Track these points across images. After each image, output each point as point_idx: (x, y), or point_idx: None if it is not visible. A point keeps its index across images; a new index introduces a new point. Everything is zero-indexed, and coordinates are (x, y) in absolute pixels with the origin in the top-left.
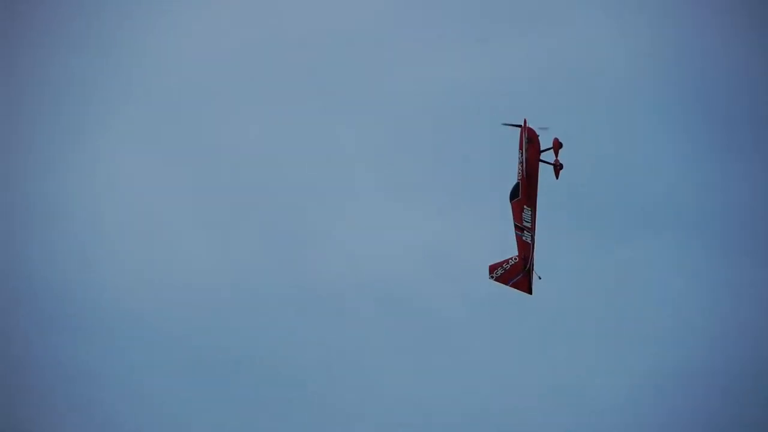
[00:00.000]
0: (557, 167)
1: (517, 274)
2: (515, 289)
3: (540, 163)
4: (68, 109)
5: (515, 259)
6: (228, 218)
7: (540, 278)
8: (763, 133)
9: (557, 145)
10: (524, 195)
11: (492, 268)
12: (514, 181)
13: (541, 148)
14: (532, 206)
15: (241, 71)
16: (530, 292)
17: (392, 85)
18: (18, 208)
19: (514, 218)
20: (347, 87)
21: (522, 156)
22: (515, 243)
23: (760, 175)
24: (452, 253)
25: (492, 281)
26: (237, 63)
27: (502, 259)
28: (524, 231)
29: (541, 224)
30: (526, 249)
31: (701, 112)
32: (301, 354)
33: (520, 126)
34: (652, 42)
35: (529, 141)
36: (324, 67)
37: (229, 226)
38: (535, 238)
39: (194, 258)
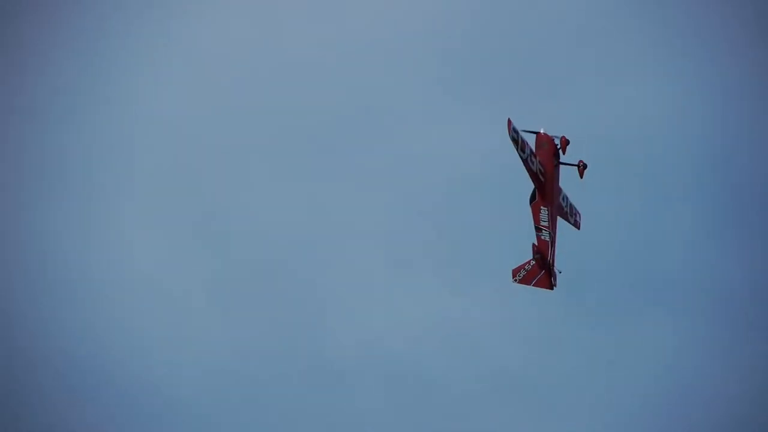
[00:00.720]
0: (581, 167)
1: (537, 273)
2: (539, 288)
3: (561, 166)
4: (80, 184)
5: (534, 260)
6: (240, 293)
7: (560, 272)
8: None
9: (564, 143)
10: (540, 196)
11: (515, 272)
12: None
13: (561, 159)
14: (549, 206)
15: (251, 140)
16: (551, 288)
17: (410, 156)
18: (28, 281)
19: (533, 221)
20: (363, 159)
21: (525, 155)
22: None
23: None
24: (464, 328)
25: (516, 284)
26: (246, 132)
27: (522, 262)
28: (542, 230)
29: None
30: (545, 247)
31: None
32: (312, 428)
33: (536, 132)
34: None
35: (541, 146)
36: (340, 137)
37: (241, 301)
38: (555, 236)
39: (206, 330)
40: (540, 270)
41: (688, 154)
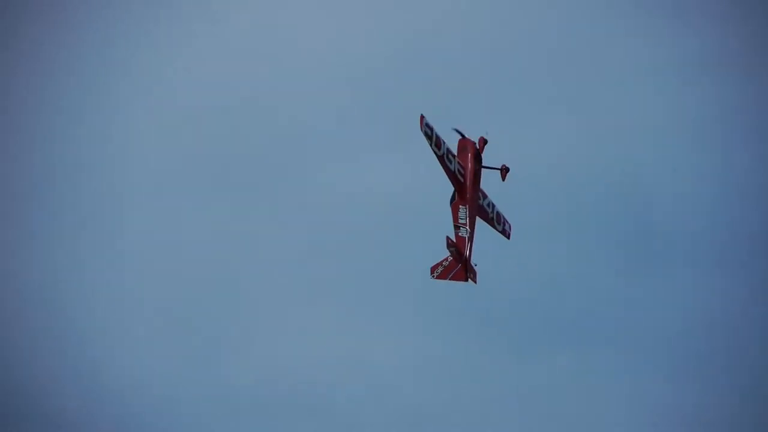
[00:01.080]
0: (503, 171)
1: (454, 267)
2: (456, 281)
3: (483, 169)
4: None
5: (450, 254)
6: (146, 322)
7: (476, 265)
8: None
9: (482, 143)
10: (459, 196)
11: (432, 269)
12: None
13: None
14: (467, 205)
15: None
16: (467, 280)
17: (322, 188)
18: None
19: (453, 220)
20: (274, 190)
21: (441, 152)
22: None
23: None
24: (371, 360)
25: (434, 280)
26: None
27: (440, 260)
28: (460, 228)
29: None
30: (461, 242)
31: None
32: None
33: (461, 135)
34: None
35: (463, 149)
36: (253, 168)
37: (150, 329)
38: (473, 232)
39: (117, 361)
40: (456, 265)
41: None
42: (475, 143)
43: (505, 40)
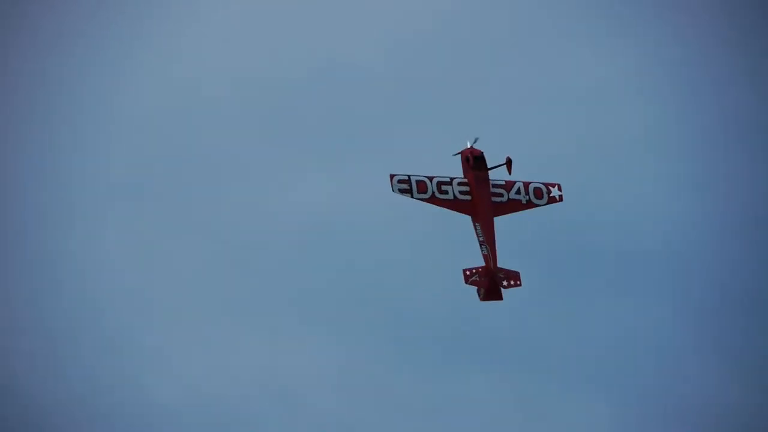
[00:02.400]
0: (508, 163)
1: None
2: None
3: (491, 170)
4: None
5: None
6: (60, 334)
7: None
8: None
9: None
10: (473, 213)
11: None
12: None
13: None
14: (481, 221)
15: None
16: (500, 299)
17: (233, 202)
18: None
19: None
20: (187, 204)
21: (430, 193)
22: None
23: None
24: (289, 378)
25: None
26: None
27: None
28: (481, 245)
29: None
30: (486, 260)
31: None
32: None
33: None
34: None
35: (463, 163)
36: (168, 181)
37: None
38: (494, 248)
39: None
40: (486, 283)
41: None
42: (468, 150)
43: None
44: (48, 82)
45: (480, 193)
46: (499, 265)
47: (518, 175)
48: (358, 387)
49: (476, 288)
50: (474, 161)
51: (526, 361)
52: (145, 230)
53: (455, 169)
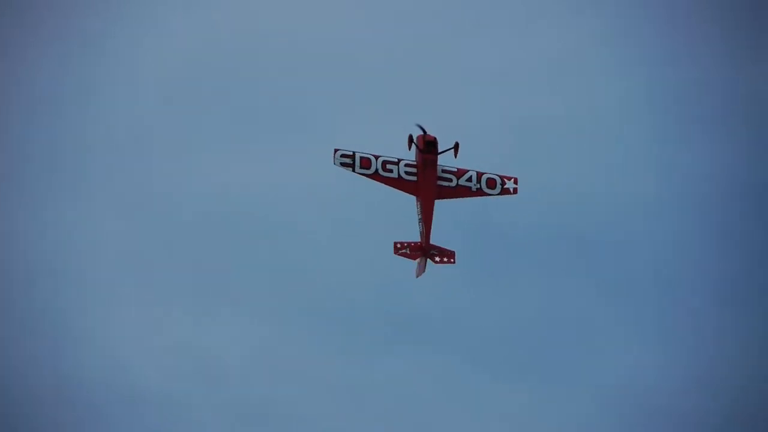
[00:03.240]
0: (455, 147)
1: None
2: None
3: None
4: None
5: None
6: None
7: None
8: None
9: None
10: (415, 193)
11: (397, 248)
12: None
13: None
14: (421, 200)
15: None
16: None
17: (159, 180)
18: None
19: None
20: (114, 182)
21: (375, 169)
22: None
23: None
24: (213, 355)
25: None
26: None
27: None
28: (419, 223)
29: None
30: (421, 237)
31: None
32: None
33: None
34: None
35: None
36: (98, 160)
37: None
38: (429, 226)
39: None
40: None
41: None
42: (417, 135)
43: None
44: None
45: (425, 175)
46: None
47: (473, 164)
48: (282, 367)
49: (417, 262)
50: (424, 145)
51: (452, 342)
52: (73, 209)
53: (399, 151)
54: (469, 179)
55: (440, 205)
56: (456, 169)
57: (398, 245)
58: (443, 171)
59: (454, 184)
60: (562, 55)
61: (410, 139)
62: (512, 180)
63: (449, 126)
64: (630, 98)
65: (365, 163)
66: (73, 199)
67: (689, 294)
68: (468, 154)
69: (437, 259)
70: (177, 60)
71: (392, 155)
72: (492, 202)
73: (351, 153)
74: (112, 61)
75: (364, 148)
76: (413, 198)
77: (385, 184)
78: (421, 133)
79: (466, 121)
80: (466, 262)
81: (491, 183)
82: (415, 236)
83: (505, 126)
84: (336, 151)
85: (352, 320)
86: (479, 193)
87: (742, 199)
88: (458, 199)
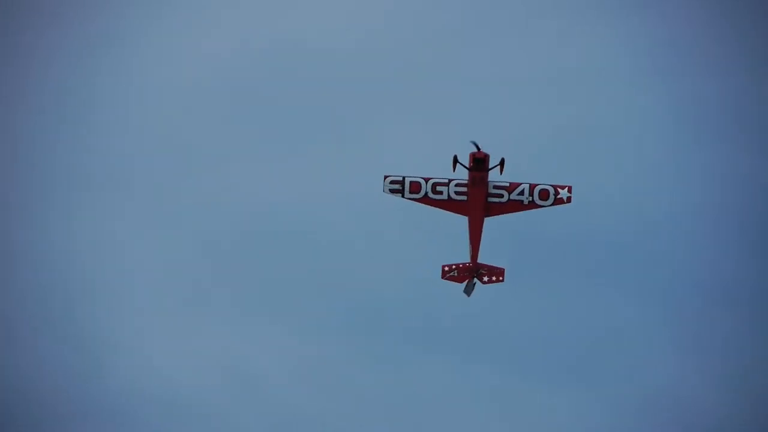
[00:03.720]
0: (501, 164)
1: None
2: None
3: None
4: None
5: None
6: (24, 332)
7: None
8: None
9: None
10: (465, 212)
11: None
12: None
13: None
14: (470, 219)
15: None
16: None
17: (197, 191)
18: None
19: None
20: (153, 195)
21: (423, 193)
22: None
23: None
24: (253, 370)
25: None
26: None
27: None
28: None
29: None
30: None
31: None
32: None
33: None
34: None
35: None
36: (136, 173)
37: (23, 341)
38: (477, 246)
39: None
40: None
41: None
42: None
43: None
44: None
45: (474, 193)
46: (485, 262)
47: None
48: (322, 379)
49: (466, 282)
50: (473, 162)
51: (494, 352)
52: (111, 221)
53: (438, 164)
54: (521, 192)
55: (491, 221)
56: (508, 184)
57: (446, 268)
58: (494, 187)
59: (505, 199)
60: (596, 63)
61: (455, 160)
62: (566, 189)
63: (482, 135)
64: (663, 106)
65: (415, 187)
66: (109, 211)
67: (731, 303)
68: (508, 166)
69: (485, 279)
70: (213, 70)
71: (442, 176)
72: (538, 213)
73: (401, 179)
74: (146, 70)
75: (402, 158)
76: (460, 216)
77: (435, 206)
78: (475, 150)
79: (500, 130)
80: (514, 273)
81: (544, 194)
82: (463, 255)
83: (541, 134)
84: (386, 178)
85: (392, 331)
86: (531, 205)
87: None
88: (510, 214)
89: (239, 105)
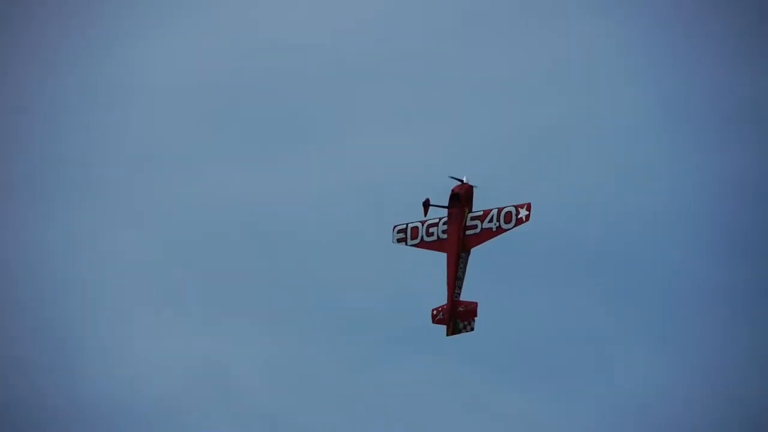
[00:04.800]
0: (425, 206)
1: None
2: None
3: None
4: None
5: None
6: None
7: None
8: None
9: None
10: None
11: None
12: None
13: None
14: (448, 257)
15: None
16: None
17: (169, 190)
18: None
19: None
20: (129, 192)
21: (417, 239)
22: None
23: None
24: (227, 369)
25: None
26: None
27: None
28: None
29: None
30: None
31: None
32: None
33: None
34: None
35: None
36: (109, 169)
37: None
38: (452, 282)
39: None
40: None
41: None
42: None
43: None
44: None
45: (450, 230)
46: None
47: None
48: (296, 379)
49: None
50: (450, 199)
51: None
52: (83, 221)
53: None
54: (491, 219)
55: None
56: (482, 212)
57: (434, 312)
58: (471, 218)
59: (479, 229)
60: (572, 61)
61: (426, 205)
62: (525, 207)
63: (457, 135)
64: (640, 105)
65: (414, 233)
66: (83, 208)
67: (701, 302)
68: (476, 167)
69: (461, 326)
70: (188, 70)
71: (437, 215)
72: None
73: (404, 226)
74: (123, 70)
75: (382, 159)
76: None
77: (429, 249)
78: (458, 183)
79: (474, 131)
80: (491, 276)
81: (508, 217)
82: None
83: (515, 135)
84: (394, 228)
85: (366, 331)
86: (499, 231)
87: (756, 206)
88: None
89: (214, 105)
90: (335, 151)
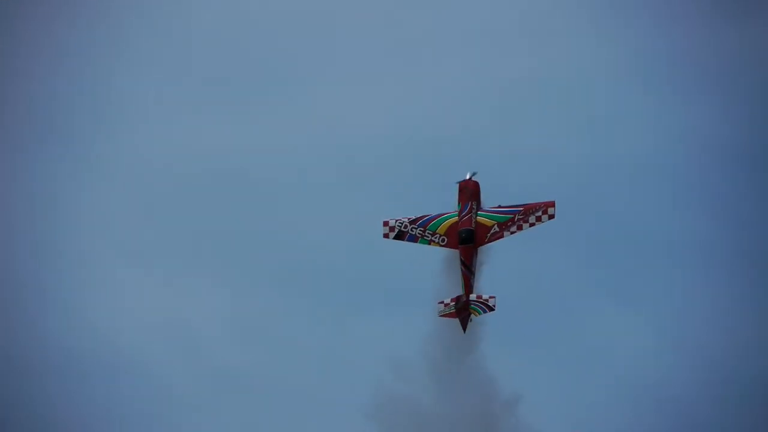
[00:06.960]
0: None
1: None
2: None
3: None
4: None
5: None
6: None
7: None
8: None
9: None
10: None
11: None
12: None
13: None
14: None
15: None
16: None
17: (136, 146)
18: None
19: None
20: (95, 147)
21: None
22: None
23: None
24: (190, 325)
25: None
26: None
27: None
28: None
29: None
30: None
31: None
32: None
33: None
34: None
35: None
36: (75, 124)
37: None
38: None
39: None
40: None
41: None
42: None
43: None
44: None
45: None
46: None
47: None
48: (260, 334)
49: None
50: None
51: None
52: (49, 175)
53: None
54: (515, 228)
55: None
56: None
57: (442, 305)
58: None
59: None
60: (545, 17)
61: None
62: (550, 206)
63: (431, 93)
64: (615, 61)
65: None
66: (48, 165)
67: (675, 259)
68: (455, 119)
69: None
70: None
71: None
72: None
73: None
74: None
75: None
76: None
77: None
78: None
79: (450, 83)
80: None
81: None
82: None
83: (491, 88)
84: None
85: (331, 287)
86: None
87: (733, 162)
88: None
89: (181, 60)
90: (304, 104)
